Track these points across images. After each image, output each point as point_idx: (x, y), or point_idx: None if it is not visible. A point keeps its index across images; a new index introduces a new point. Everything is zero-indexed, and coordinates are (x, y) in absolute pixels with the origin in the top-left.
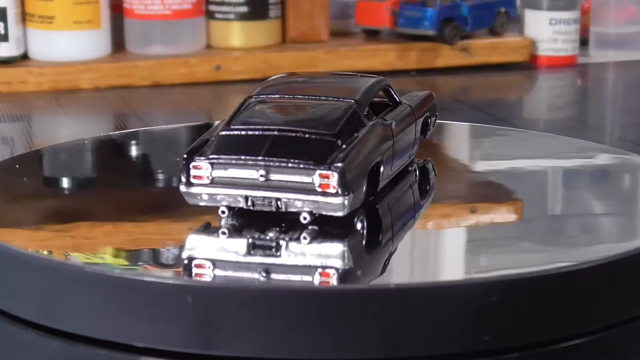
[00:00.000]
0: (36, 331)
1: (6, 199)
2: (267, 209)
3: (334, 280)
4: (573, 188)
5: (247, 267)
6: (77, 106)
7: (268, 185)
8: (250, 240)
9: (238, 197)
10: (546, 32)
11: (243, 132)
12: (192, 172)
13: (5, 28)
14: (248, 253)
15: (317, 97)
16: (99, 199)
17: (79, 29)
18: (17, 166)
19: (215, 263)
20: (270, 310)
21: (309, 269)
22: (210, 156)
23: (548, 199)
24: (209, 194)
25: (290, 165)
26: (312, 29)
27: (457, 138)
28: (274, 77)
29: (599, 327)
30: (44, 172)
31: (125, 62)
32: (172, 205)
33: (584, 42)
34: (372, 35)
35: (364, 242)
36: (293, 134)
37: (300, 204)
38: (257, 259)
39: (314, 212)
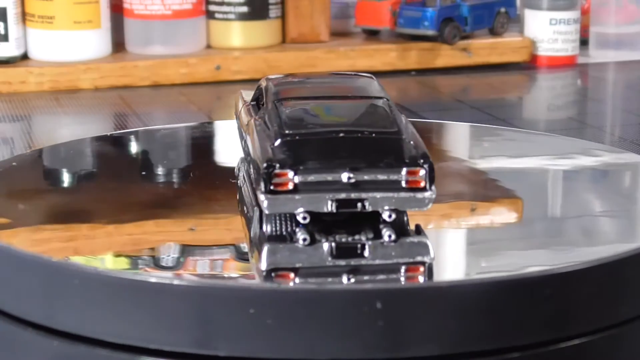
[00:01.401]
0: (36, 331)
1: (6, 199)
2: (351, 210)
3: (424, 276)
4: (573, 188)
5: (336, 270)
6: (77, 106)
7: (354, 187)
8: (333, 244)
9: (324, 201)
10: (546, 32)
11: (308, 136)
12: (274, 180)
13: (5, 28)
14: (333, 257)
15: (347, 97)
16: (99, 199)
17: (79, 29)
18: (14, 164)
19: (300, 270)
20: (459, 306)
21: (397, 266)
22: (292, 163)
23: (548, 198)
24: (294, 201)
25: (378, 164)
26: (312, 29)
27: (457, 138)
28: (273, 77)
29: (599, 327)
30: (44, 172)
31: (125, 62)
32: (173, 205)
33: (584, 42)
34: (372, 35)
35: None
36: (359, 134)
37: (386, 203)
38: (342, 262)
39: (399, 209)
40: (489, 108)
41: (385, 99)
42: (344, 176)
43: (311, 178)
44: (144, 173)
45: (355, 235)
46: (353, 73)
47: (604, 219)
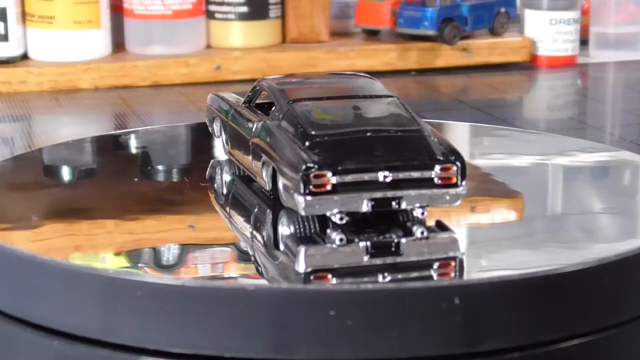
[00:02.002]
0: (36, 331)
1: (7, 197)
2: (386, 209)
3: (455, 270)
4: (572, 187)
5: (373, 269)
6: (77, 106)
7: (390, 186)
8: (368, 243)
9: (361, 201)
10: (546, 32)
11: (336, 137)
12: (314, 181)
13: (5, 28)
14: (369, 256)
15: (359, 96)
16: (99, 197)
17: (79, 29)
18: None
19: (339, 270)
20: (528, 298)
21: (431, 262)
22: (330, 164)
23: (547, 198)
24: (332, 202)
25: (412, 162)
26: (312, 29)
27: (457, 138)
28: (270, 78)
29: (599, 327)
30: (44, 171)
31: (125, 62)
32: (172, 203)
33: (584, 42)
34: (372, 35)
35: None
36: (386, 133)
37: (421, 200)
38: (378, 260)
39: (430, 206)
40: (489, 108)
41: (395, 98)
42: (381, 175)
43: (348, 178)
44: (143, 171)
45: (386, 234)
46: (351, 73)
47: (603, 219)
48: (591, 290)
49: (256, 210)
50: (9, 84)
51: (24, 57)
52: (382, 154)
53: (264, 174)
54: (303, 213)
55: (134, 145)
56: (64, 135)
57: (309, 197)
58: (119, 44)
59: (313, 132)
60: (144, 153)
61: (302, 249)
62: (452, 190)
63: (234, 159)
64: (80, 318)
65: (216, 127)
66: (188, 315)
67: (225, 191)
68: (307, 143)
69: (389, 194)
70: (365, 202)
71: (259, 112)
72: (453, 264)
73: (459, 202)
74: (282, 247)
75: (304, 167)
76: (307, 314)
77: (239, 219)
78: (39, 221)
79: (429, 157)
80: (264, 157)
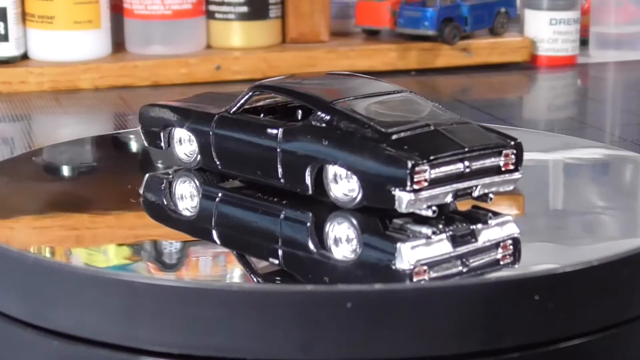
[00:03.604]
0: (36, 331)
1: (8, 194)
2: (464, 199)
3: (516, 252)
4: (572, 187)
5: (460, 258)
6: (77, 106)
7: (468, 175)
8: (451, 234)
9: (449, 193)
10: (546, 32)
11: (409, 132)
12: (416, 177)
13: (5, 28)
14: (455, 246)
15: (379, 93)
16: (99, 192)
17: (79, 29)
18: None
19: (437, 263)
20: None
21: (496, 246)
22: (427, 159)
23: (548, 197)
24: (432, 196)
25: (487, 151)
26: (312, 29)
27: None
28: (276, 78)
29: (599, 327)
30: (45, 168)
31: (125, 62)
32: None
33: (584, 42)
34: (372, 35)
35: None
36: (446, 126)
37: (491, 186)
38: (460, 250)
39: (495, 192)
40: (489, 108)
41: (413, 92)
42: (463, 166)
43: (439, 171)
44: (143, 168)
45: (456, 223)
46: (348, 72)
47: (603, 219)
48: (592, 290)
49: (282, 215)
50: (9, 84)
51: (24, 57)
52: (459, 146)
53: (307, 178)
54: (404, 210)
55: (133, 143)
56: (64, 135)
57: (414, 194)
58: (119, 44)
59: (384, 130)
60: (142, 150)
61: (401, 246)
62: (515, 175)
63: (223, 168)
64: (278, 341)
65: (164, 137)
66: (396, 321)
67: (204, 202)
68: (387, 141)
69: (471, 183)
70: (450, 193)
71: (272, 117)
72: (510, 244)
73: (513, 187)
74: (337, 247)
75: (410, 163)
76: (516, 302)
77: (257, 228)
78: (40, 216)
79: (495, 145)
80: (311, 160)
